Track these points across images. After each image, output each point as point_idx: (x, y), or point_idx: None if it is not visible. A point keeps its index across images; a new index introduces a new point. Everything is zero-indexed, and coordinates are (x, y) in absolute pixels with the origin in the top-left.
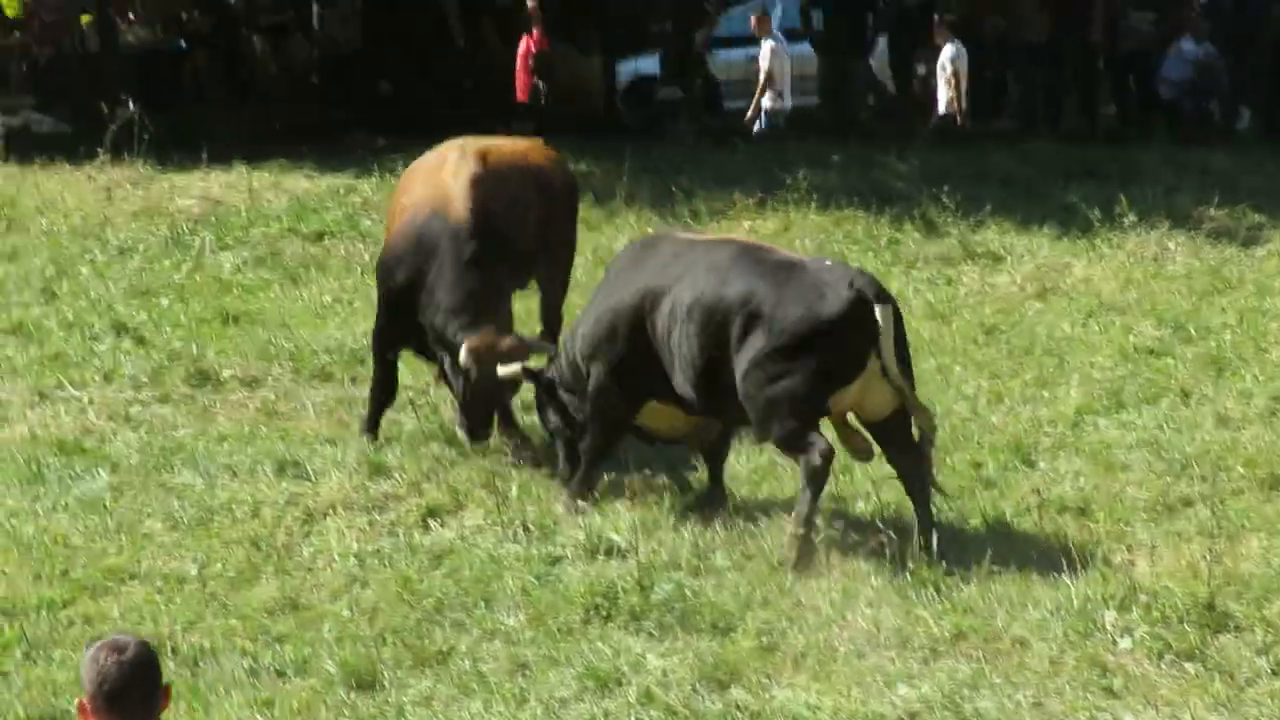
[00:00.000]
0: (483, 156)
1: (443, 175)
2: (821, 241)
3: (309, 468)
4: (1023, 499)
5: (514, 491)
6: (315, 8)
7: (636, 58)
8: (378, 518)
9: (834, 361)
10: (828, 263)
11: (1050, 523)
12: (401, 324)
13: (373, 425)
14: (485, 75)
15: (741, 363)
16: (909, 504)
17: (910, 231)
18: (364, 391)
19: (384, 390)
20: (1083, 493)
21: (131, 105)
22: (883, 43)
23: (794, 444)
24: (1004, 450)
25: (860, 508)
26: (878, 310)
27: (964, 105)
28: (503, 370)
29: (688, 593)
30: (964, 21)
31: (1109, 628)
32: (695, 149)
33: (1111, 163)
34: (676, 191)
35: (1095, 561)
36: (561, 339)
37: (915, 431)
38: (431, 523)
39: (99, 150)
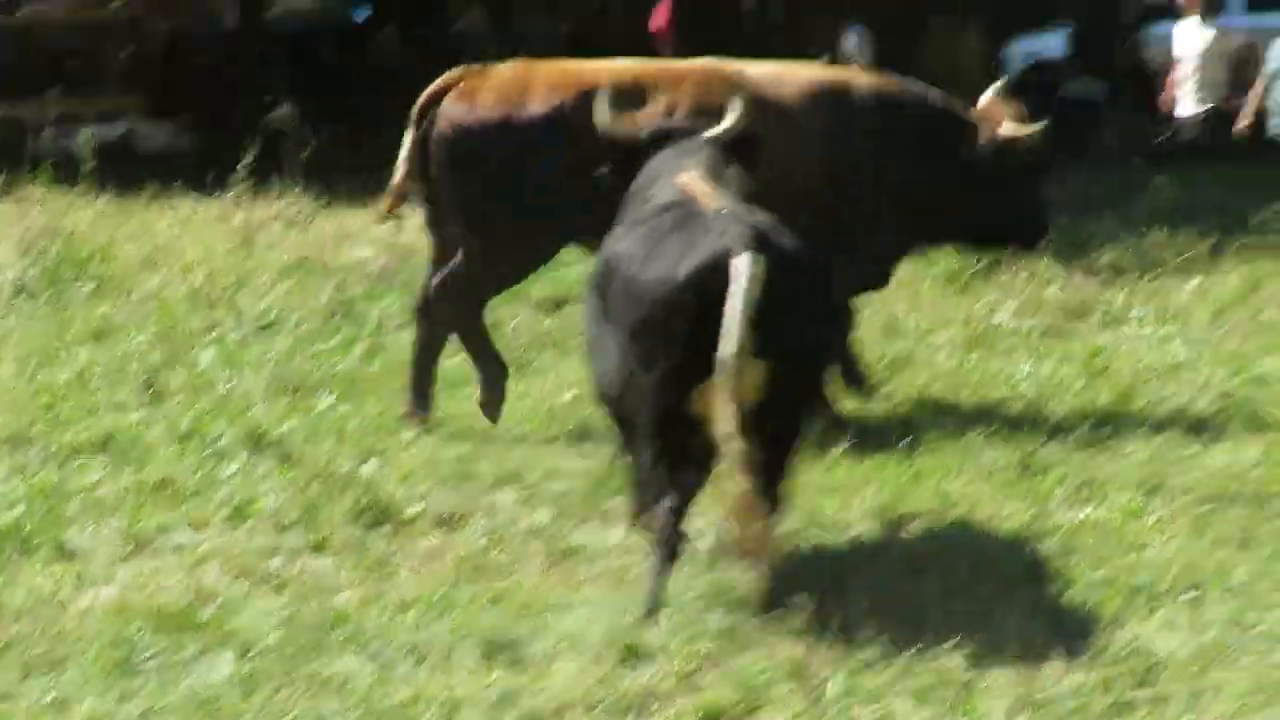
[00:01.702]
0: None
1: None
2: None
3: (532, 651)
4: None
5: (834, 685)
6: None
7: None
8: None
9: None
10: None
11: None
12: None
13: None
14: None
15: None
16: None
17: None
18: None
19: None
20: None
21: (286, 107)
22: None
23: None
24: None
25: None
26: (740, 264)
27: None
28: None
29: None
30: None
31: None
32: (1123, 170)
33: None
34: (1090, 233)
35: None
36: None
37: None
38: None
39: (234, 174)
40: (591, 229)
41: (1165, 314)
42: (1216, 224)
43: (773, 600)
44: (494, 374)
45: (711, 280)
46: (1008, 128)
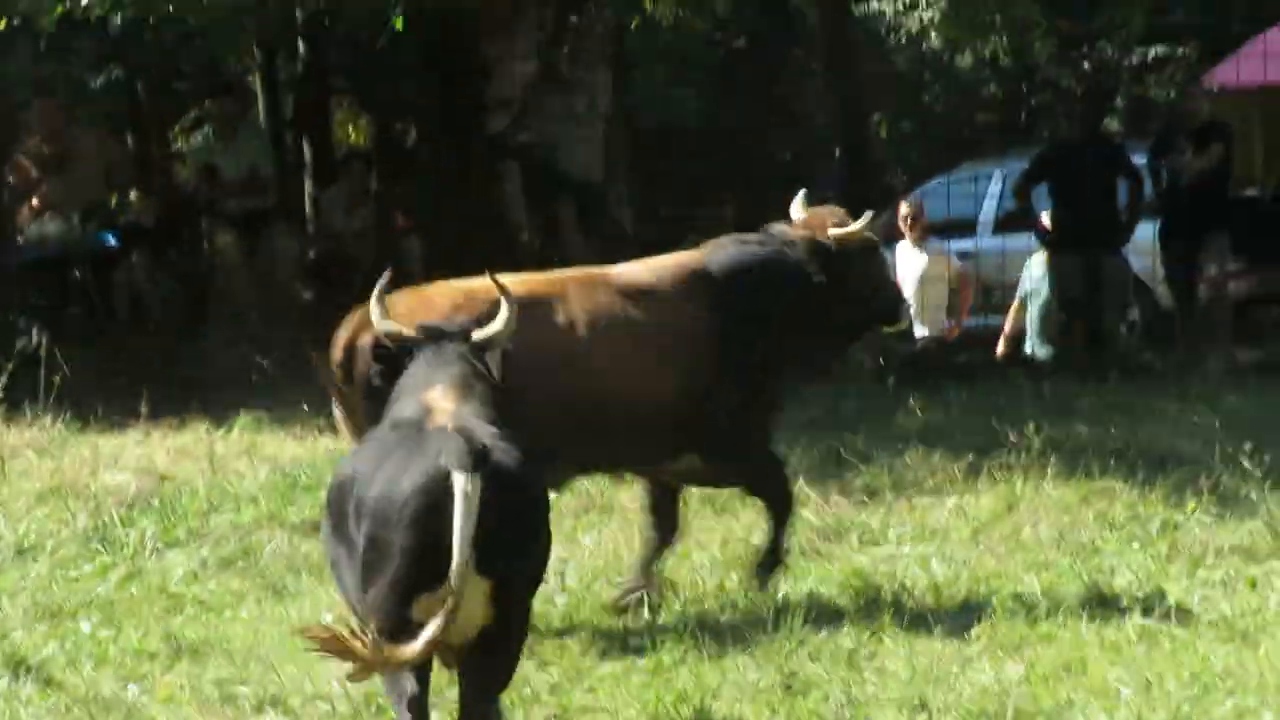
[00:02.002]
0: None
1: None
2: (1064, 526)
3: None
4: None
5: None
6: (307, 189)
7: None
8: None
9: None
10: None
11: None
12: None
13: None
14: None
15: None
16: None
17: (1196, 511)
18: None
19: None
20: None
21: (35, 334)
22: (1148, 230)
23: None
24: None
25: None
26: (459, 482)
27: None
28: None
29: None
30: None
31: None
32: (877, 390)
33: None
34: (844, 455)
35: None
36: None
37: None
38: None
39: None
40: None
41: (923, 533)
42: (971, 444)
43: None
44: None
45: (430, 498)
46: (835, 231)
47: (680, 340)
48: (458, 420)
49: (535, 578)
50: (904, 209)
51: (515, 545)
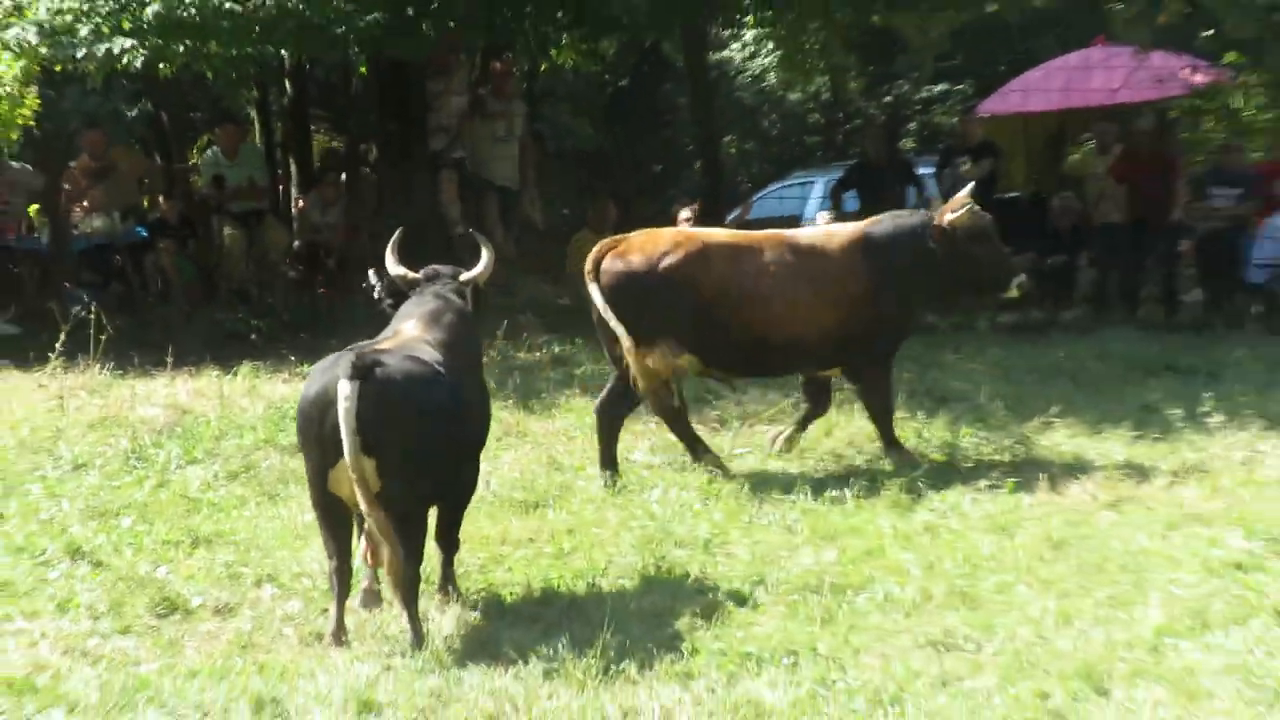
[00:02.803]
0: None
1: None
2: (871, 447)
3: (290, 706)
4: None
5: None
6: (294, 191)
7: None
8: None
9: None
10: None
11: None
12: None
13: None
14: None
15: None
16: None
17: (968, 435)
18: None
19: None
20: None
21: (87, 303)
22: None
23: None
24: (1074, 677)
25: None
26: (341, 388)
27: None
28: None
29: None
30: (1032, 201)
31: None
32: None
33: (1195, 356)
34: (703, 392)
35: None
36: None
37: None
38: None
39: (50, 355)
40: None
41: (763, 450)
42: (798, 382)
43: (421, 637)
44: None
45: (324, 402)
46: (949, 216)
47: (844, 287)
48: (402, 341)
49: (416, 456)
50: (683, 214)
51: (391, 433)
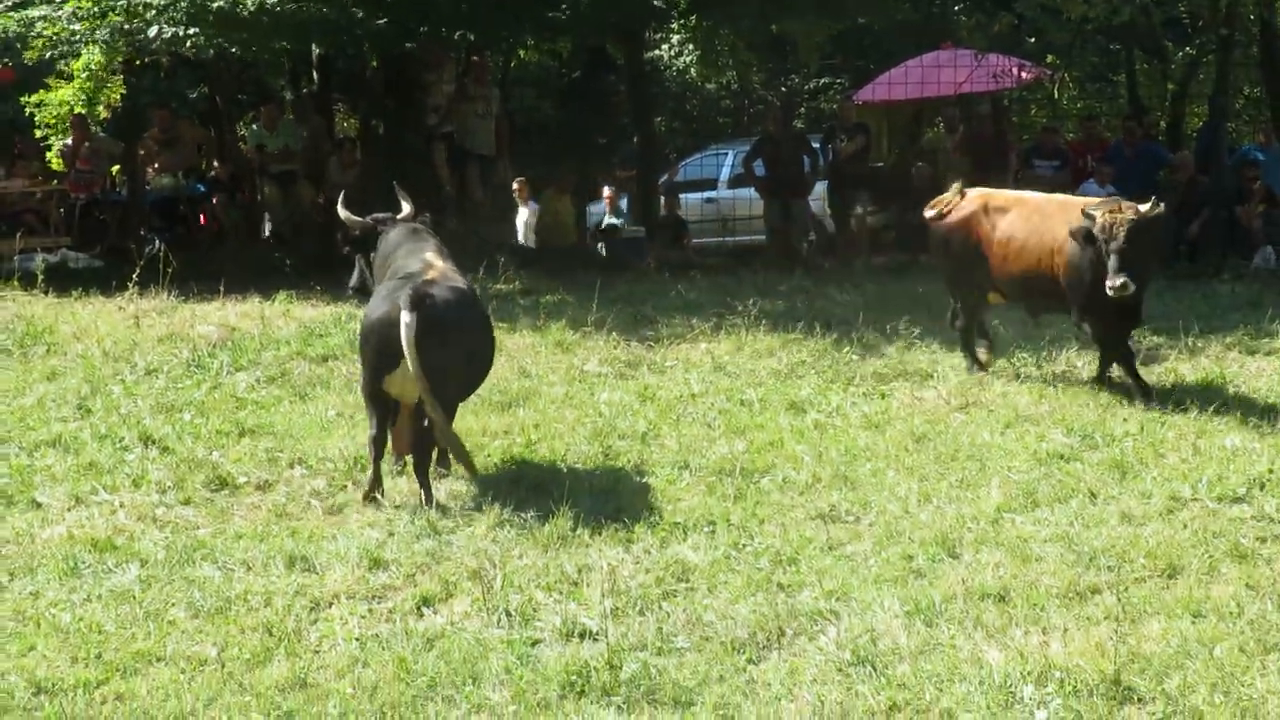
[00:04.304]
0: None
1: None
2: (770, 361)
3: (315, 562)
4: (950, 587)
5: (499, 583)
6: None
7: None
8: (377, 606)
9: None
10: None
11: (974, 608)
12: None
13: None
14: (470, 218)
15: None
16: (853, 595)
17: (849, 352)
18: (358, 494)
19: None
20: (1002, 581)
21: (157, 243)
22: (821, 187)
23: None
24: (932, 544)
25: (806, 598)
26: (403, 317)
27: None
28: None
29: (652, 671)
30: (894, 169)
31: (1027, 700)
32: (659, 280)
33: None
34: (640, 318)
35: (1014, 642)
36: None
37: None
38: (425, 610)
39: (128, 284)
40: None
41: (686, 365)
42: (714, 310)
43: (430, 499)
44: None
45: (387, 324)
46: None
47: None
48: (440, 273)
49: (459, 371)
50: (515, 184)
51: (441, 352)
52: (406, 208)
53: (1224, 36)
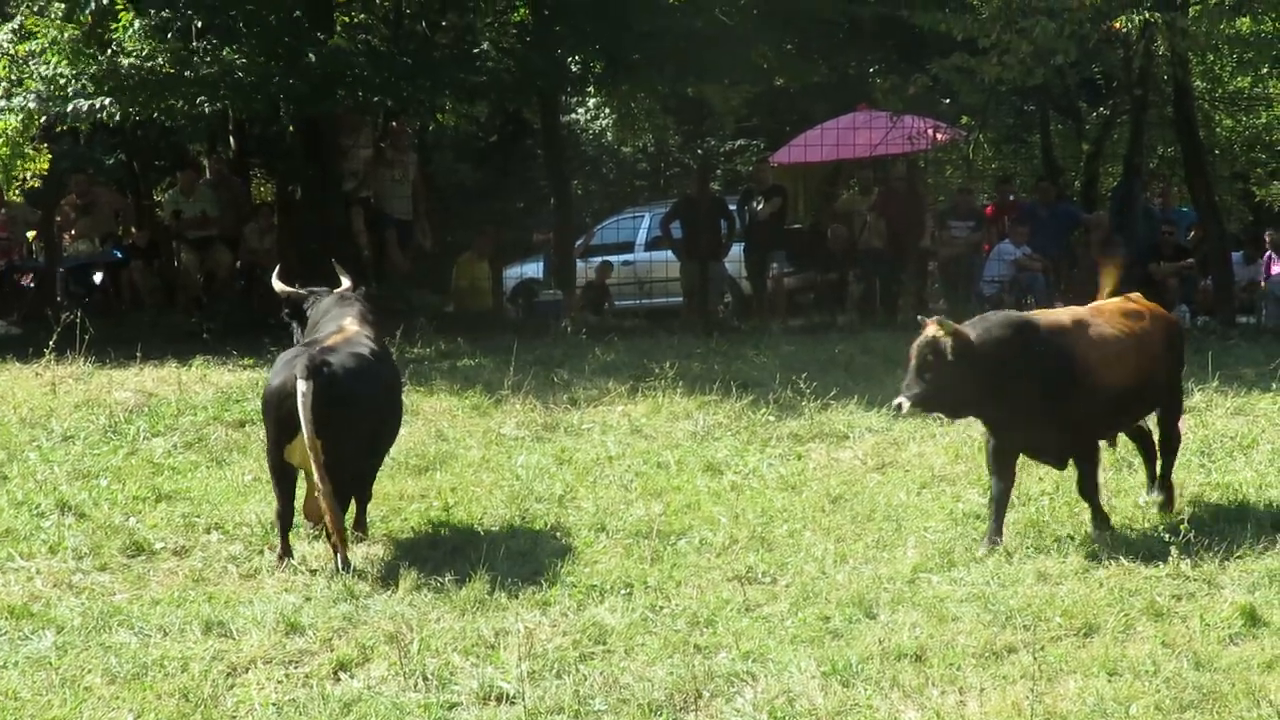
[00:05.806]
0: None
1: None
2: (687, 423)
3: (232, 627)
4: (866, 647)
5: (416, 646)
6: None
7: (522, 264)
8: (294, 671)
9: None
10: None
11: (891, 668)
12: None
13: None
14: (386, 281)
15: None
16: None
17: (765, 414)
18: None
19: None
20: (919, 641)
21: (73, 310)
22: (737, 249)
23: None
24: (849, 604)
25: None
26: (299, 386)
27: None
28: None
29: None
30: (810, 231)
31: None
32: (576, 343)
33: None
34: (557, 381)
35: (931, 702)
36: None
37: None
38: (342, 674)
39: (45, 350)
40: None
41: (604, 427)
42: (631, 374)
43: (345, 567)
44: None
45: (284, 394)
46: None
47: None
48: (345, 338)
49: (361, 437)
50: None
51: (340, 420)
52: (346, 282)
53: (1138, 97)
